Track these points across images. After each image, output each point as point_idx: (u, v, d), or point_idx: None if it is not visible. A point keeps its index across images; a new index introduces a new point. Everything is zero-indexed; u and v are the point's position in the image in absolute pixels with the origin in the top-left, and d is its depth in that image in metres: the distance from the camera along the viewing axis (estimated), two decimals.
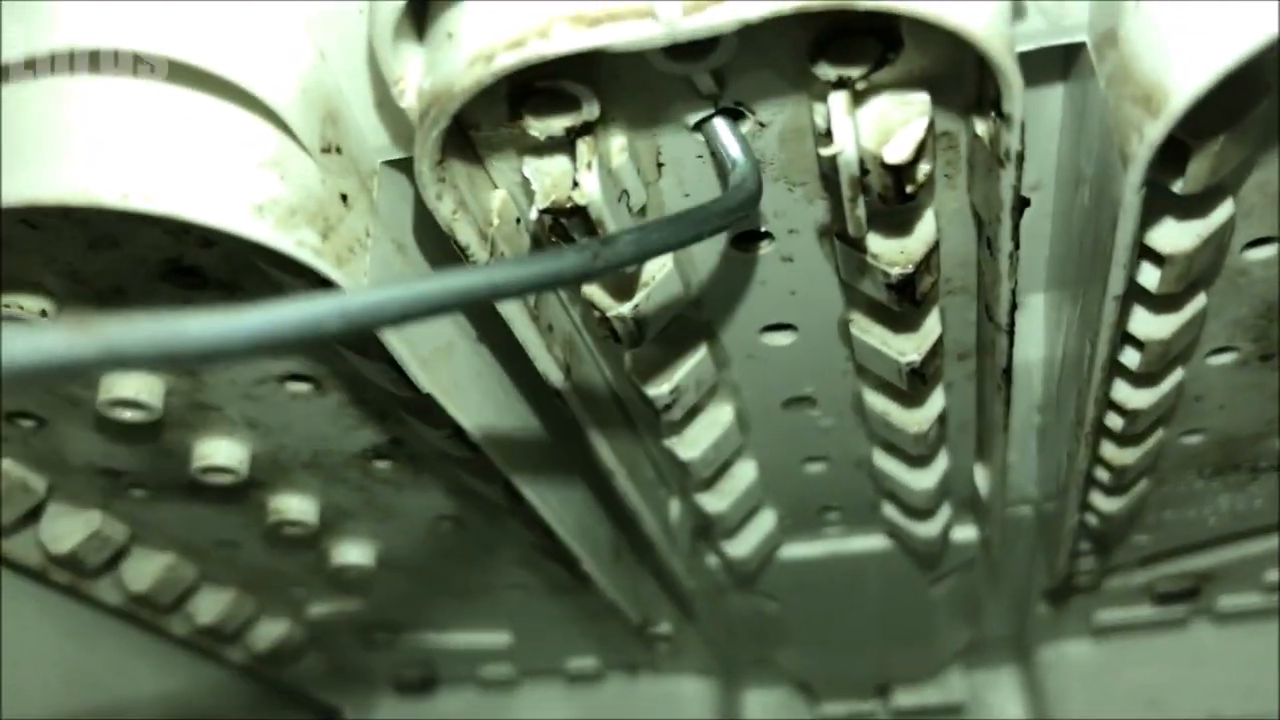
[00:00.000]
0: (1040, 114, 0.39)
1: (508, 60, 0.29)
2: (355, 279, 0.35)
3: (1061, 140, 0.40)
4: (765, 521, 0.61)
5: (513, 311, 0.39)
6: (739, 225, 0.40)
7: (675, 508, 0.60)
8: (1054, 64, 0.37)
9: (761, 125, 0.36)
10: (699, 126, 0.36)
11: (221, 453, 0.51)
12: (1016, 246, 0.37)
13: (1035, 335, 0.50)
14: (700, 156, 0.37)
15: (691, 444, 0.51)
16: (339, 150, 0.35)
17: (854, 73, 0.32)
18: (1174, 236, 0.37)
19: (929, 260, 0.39)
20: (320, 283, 0.36)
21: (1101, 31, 0.33)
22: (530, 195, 0.35)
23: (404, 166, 0.37)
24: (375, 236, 0.37)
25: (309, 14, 0.34)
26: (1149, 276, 0.39)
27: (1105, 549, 0.63)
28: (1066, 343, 0.46)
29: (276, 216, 0.33)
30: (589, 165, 0.34)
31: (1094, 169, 0.36)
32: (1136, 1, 0.31)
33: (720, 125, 0.36)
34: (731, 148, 0.35)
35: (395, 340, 0.38)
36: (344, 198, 0.36)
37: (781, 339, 0.47)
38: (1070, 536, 0.57)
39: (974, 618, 0.76)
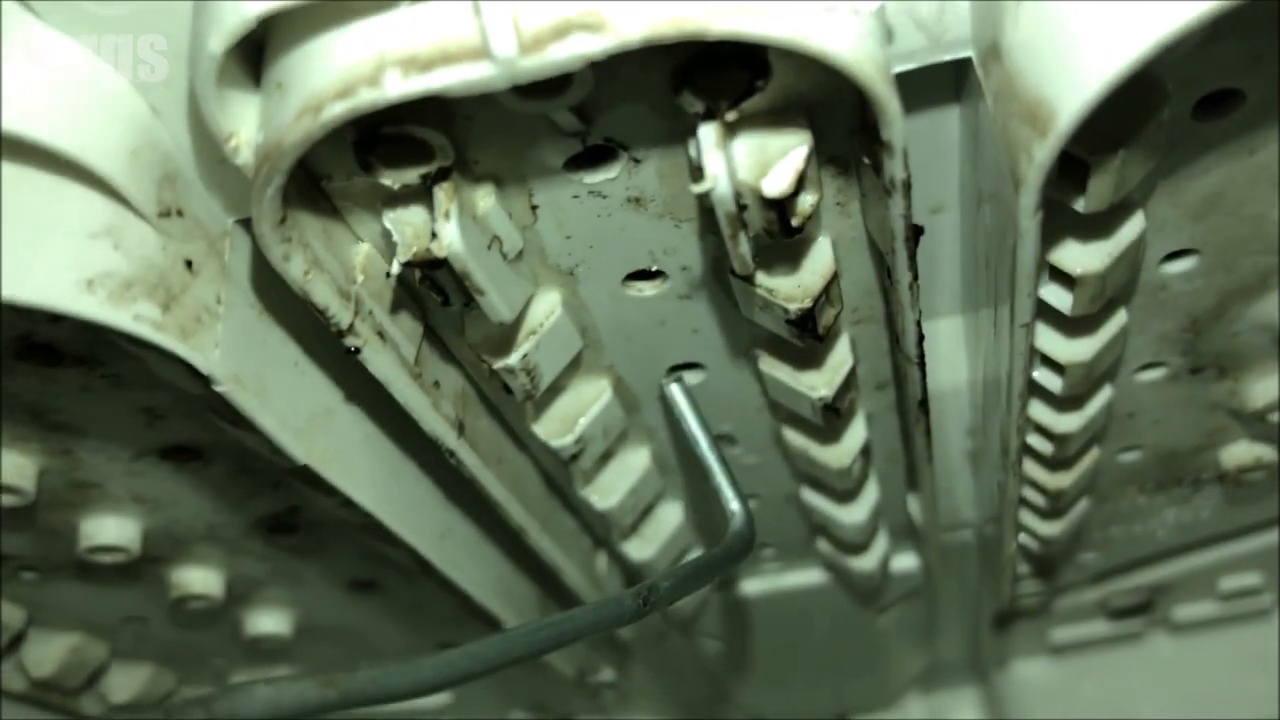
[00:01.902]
0: (938, 132, 0.37)
1: (337, 110, 0.27)
2: (204, 350, 0.33)
3: (962, 158, 0.38)
4: None
5: (391, 373, 0.37)
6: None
7: (602, 557, 0.58)
8: (945, 81, 0.35)
9: (636, 161, 0.33)
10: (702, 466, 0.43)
11: (109, 531, 0.48)
12: (915, 277, 0.34)
13: (958, 359, 0.48)
14: (576, 196, 0.35)
15: (607, 492, 0.48)
16: (180, 213, 0.33)
17: (721, 103, 0.29)
18: (1083, 257, 0.35)
19: (829, 293, 0.37)
20: (173, 356, 0.33)
21: (985, 46, 0.30)
22: (393, 248, 0.33)
23: None
24: (229, 302, 0.34)
25: (140, 72, 0.31)
26: (1061, 299, 0.36)
27: (1051, 570, 0.61)
28: (985, 369, 0.44)
29: (109, 290, 0.31)
30: (447, 214, 0.31)
31: (991, 191, 0.34)
32: (1016, 11, 0.28)
33: (718, 473, 0.42)
34: (730, 501, 0.42)
35: (262, 411, 0.35)
36: (189, 264, 0.33)
37: (690, 379, 0.44)
38: (1010, 563, 0.55)
39: (926, 644, 0.74)
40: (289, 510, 0.49)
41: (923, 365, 0.39)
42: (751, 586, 0.63)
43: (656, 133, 0.33)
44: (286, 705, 0.26)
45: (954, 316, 0.47)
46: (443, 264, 0.32)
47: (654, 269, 0.38)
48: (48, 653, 0.58)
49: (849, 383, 0.42)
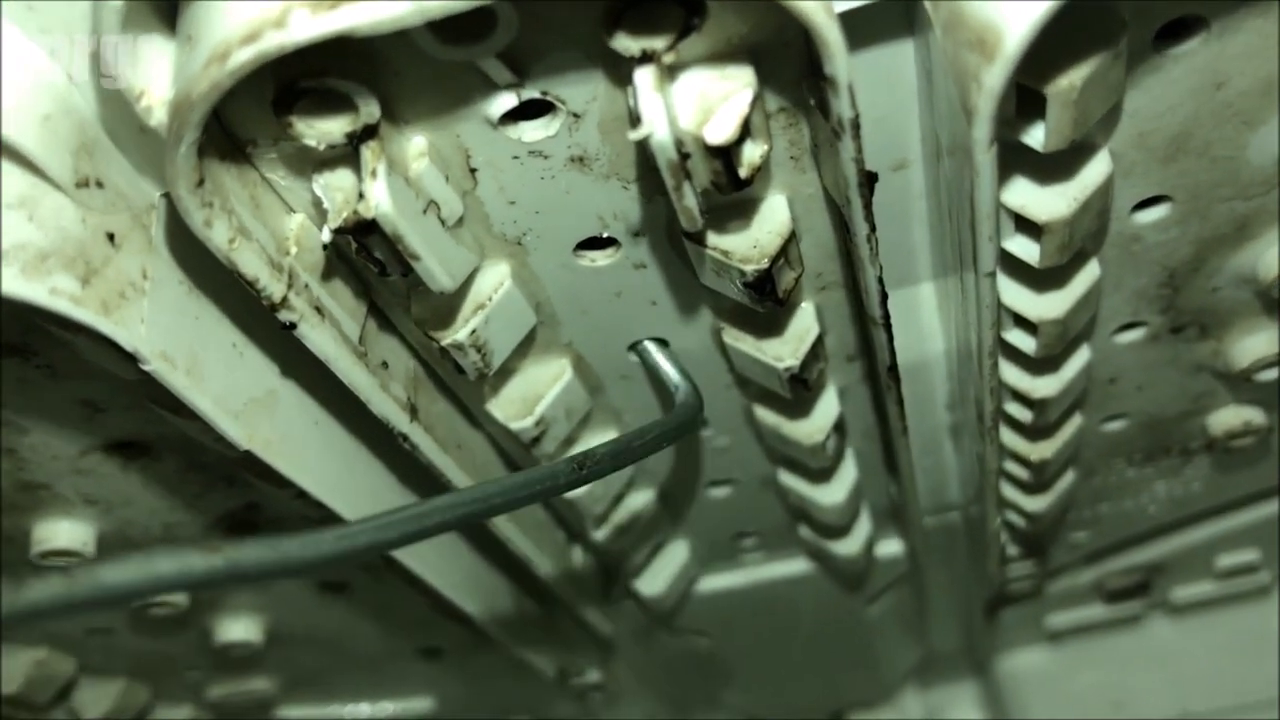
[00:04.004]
0: (895, 83, 0.36)
1: (244, 56, 0.25)
2: (128, 326, 0.31)
3: (921, 111, 0.37)
4: (677, 554, 0.57)
5: (331, 350, 0.35)
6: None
7: (578, 551, 0.56)
8: (898, 23, 0.34)
9: (576, 117, 0.32)
10: (634, 348, 0.42)
11: (62, 535, 0.46)
12: (872, 228, 0.33)
13: (932, 328, 0.46)
14: (516, 157, 0.33)
15: None
16: (100, 184, 0.31)
17: (657, 44, 0.28)
18: (1049, 203, 0.34)
19: (787, 253, 0.35)
20: (99, 337, 0.31)
21: None
22: (325, 215, 0.31)
23: None
24: (156, 278, 0.33)
25: (49, 36, 0.30)
26: (1029, 250, 0.35)
27: (1041, 550, 0.60)
28: (957, 332, 0.42)
29: (23, 263, 0.29)
30: (374, 173, 0.30)
31: (948, 136, 0.32)
32: None
33: (654, 351, 0.41)
34: (669, 374, 0.41)
35: (196, 392, 0.34)
36: (110, 237, 0.31)
37: None
38: (995, 540, 0.53)
39: (919, 634, 0.72)
40: (246, 508, 0.47)
41: (888, 327, 0.37)
42: (736, 579, 0.61)
43: (594, 85, 0.31)
44: (164, 575, 0.23)
45: (924, 283, 0.45)
46: (374, 227, 0.30)
47: (605, 235, 0.37)
48: (13, 668, 0.56)
49: (816, 353, 0.40)
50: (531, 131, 0.32)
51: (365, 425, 0.42)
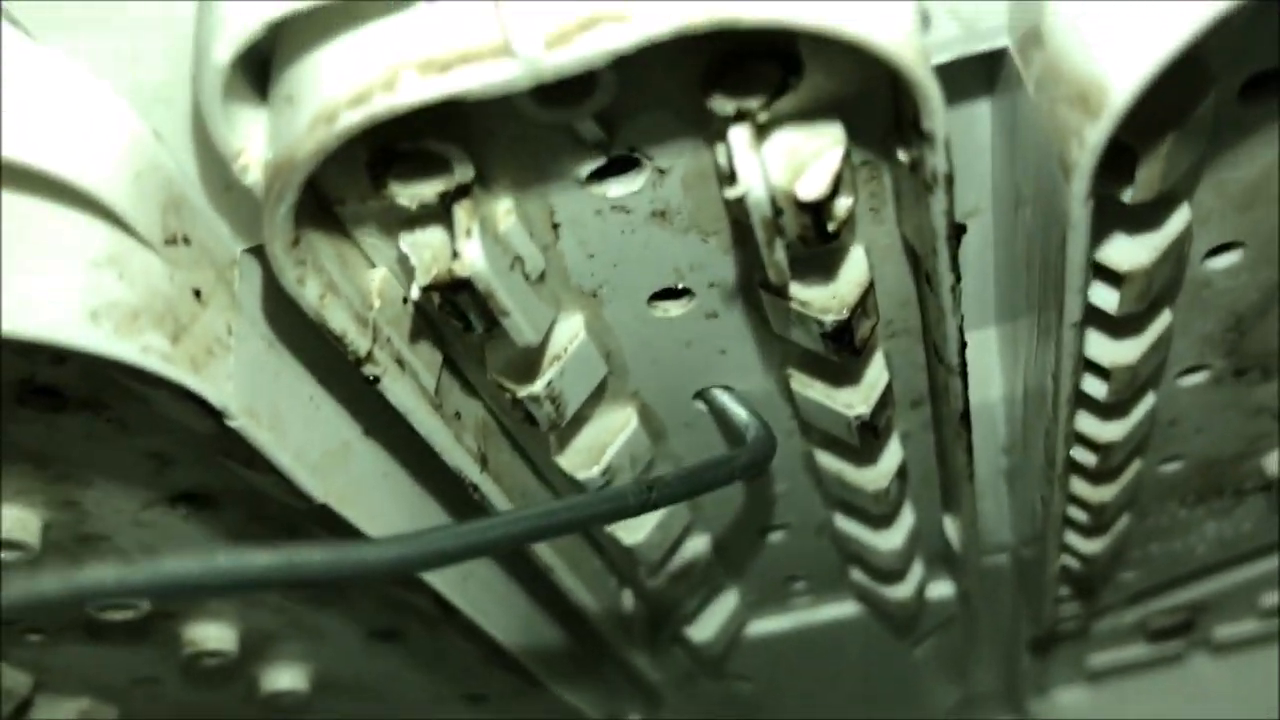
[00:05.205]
0: (969, 131, 0.36)
1: (352, 119, 0.25)
2: (217, 383, 0.31)
3: (995, 159, 0.37)
4: (727, 600, 0.57)
5: (411, 403, 0.35)
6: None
7: (629, 596, 0.56)
8: (976, 75, 0.34)
9: (661, 172, 0.32)
10: (699, 395, 0.42)
11: None
12: (958, 279, 0.33)
13: (992, 373, 0.47)
14: (599, 212, 0.33)
15: (635, 526, 0.46)
16: (187, 241, 0.31)
17: (753, 103, 0.28)
18: (1130, 252, 0.34)
19: (865, 303, 0.35)
20: (183, 392, 0.31)
21: (1023, 32, 0.29)
22: (410, 272, 0.31)
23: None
24: (240, 334, 0.33)
25: (138, 92, 0.30)
26: (1107, 298, 0.35)
27: (1091, 591, 0.59)
28: (1026, 379, 0.42)
29: (116, 321, 0.29)
30: (468, 232, 0.30)
31: (1033, 187, 0.32)
32: None
33: (722, 395, 0.41)
34: (739, 414, 0.41)
35: (278, 448, 0.34)
36: (197, 293, 0.31)
37: None
38: (1053, 583, 0.53)
39: (961, 675, 0.72)
40: None
41: (964, 375, 0.37)
42: (783, 623, 0.61)
43: (682, 140, 0.31)
44: (223, 569, 0.24)
45: (985, 328, 0.45)
46: (465, 285, 0.30)
47: (680, 287, 0.37)
48: (55, 717, 0.56)
49: (885, 400, 0.40)
50: (616, 188, 0.32)
51: (431, 475, 0.42)
